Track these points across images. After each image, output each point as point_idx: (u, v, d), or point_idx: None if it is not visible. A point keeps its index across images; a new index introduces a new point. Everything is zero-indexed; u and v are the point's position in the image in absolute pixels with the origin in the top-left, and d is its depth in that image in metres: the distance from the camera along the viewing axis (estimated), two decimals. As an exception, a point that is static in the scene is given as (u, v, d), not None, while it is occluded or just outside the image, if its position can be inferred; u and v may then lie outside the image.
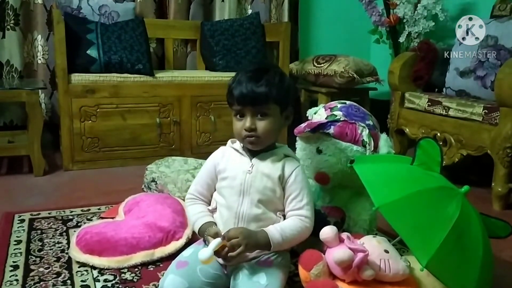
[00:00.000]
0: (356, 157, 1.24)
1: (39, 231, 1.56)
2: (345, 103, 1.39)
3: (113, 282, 1.25)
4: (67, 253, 1.40)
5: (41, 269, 1.30)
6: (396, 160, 1.28)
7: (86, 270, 1.31)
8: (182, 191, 1.78)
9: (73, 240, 1.40)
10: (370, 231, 1.31)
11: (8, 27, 2.58)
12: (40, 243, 1.47)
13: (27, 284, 1.22)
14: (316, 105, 1.50)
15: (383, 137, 1.33)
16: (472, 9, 2.82)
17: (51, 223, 1.63)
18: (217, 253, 1.03)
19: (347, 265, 1.04)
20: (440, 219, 1.00)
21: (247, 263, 1.11)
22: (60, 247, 1.45)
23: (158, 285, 1.14)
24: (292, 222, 1.12)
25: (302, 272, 1.09)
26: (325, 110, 1.38)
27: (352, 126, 1.30)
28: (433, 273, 0.97)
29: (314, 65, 3.00)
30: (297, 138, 1.37)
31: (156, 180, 1.89)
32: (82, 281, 1.25)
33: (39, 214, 1.71)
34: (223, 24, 2.91)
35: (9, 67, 2.62)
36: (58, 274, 1.28)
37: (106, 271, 1.30)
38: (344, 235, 1.10)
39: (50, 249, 1.43)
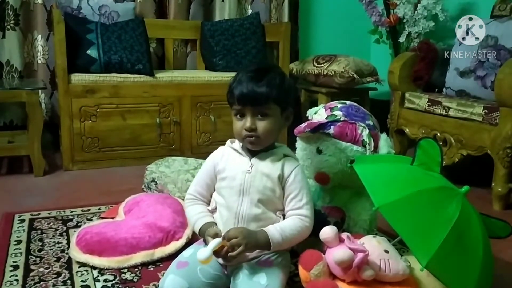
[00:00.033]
0: (356, 157, 1.24)
1: (39, 231, 1.56)
2: (345, 103, 1.39)
3: (113, 282, 1.25)
4: (67, 253, 1.40)
5: (41, 269, 1.30)
6: (396, 160, 1.28)
7: (86, 270, 1.31)
8: (182, 191, 1.78)
9: (73, 240, 1.40)
10: (370, 231, 1.31)
11: (8, 27, 2.58)
12: (40, 243, 1.47)
13: (27, 284, 1.22)
14: (316, 105, 1.50)
15: (383, 137, 1.33)
16: (472, 9, 2.82)
17: (51, 223, 1.63)
18: (216, 253, 1.03)
19: (347, 265, 1.04)
20: (440, 219, 1.00)
21: (247, 263, 1.11)
22: (60, 247, 1.45)
23: (158, 285, 1.14)
24: (291, 221, 1.12)
25: (302, 272, 1.09)
26: (325, 110, 1.38)
27: (352, 126, 1.30)
28: (433, 273, 0.97)
29: (314, 65, 3.00)
30: (297, 138, 1.37)
31: (156, 180, 1.89)
32: (82, 281, 1.25)
33: (39, 214, 1.71)
34: (223, 24, 2.91)
35: (9, 67, 2.62)
36: (58, 274, 1.28)
37: (106, 271, 1.30)
38: (344, 235, 1.10)
39: (50, 249, 1.43)
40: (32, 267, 1.31)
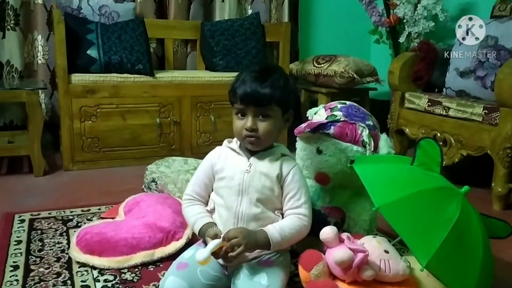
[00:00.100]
0: (356, 157, 1.24)
1: (39, 231, 1.56)
2: (345, 103, 1.39)
3: (113, 282, 1.25)
4: (67, 253, 1.40)
5: (41, 269, 1.30)
6: (396, 160, 1.29)
7: (86, 270, 1.31)
8: (182, 191, 1.77)
9: (73, 240, 1.40)
10: (370, 232, 1.31)
11: (8, 27, 2.58)
12: (40, 243, 1.47)
13: (27, 284, 1.22)
14: (316, 105, 1.50)
15: (383, 137, 1.33)
16: (472, 9, 2.82)
17: (51, 223, 1.63)
18: (216, 254, 1.03)
19: (347, 265, 1.04)
20: (440, 220, 1.00)
21: (247, 263, 1.11)
22: (60, 247, 1.45)
23: (158, 285, 1.14)
24: (290, 221, 1.12)
25: (302, 272, 1.09)
26: (325, 110, 1.38)
27: (352, 126, 1.30)
28: (433, 273, 0.98)
29: (314, 65, 3.00)
30: (297, 138, 1.37)
31: (156, 180, 1.90)
32: (82, 281, 1.25)
33: (39, 214, 1.71)
34: (223, 24, 2.91)
35: (9, 67, 2.62)
36: (58, 274, 1.28)
37: (106, 271, 1.30)
38: (344, 235, 1.10)
39: (50, 249, 1.43)
40: (32, 267, 1.31)
